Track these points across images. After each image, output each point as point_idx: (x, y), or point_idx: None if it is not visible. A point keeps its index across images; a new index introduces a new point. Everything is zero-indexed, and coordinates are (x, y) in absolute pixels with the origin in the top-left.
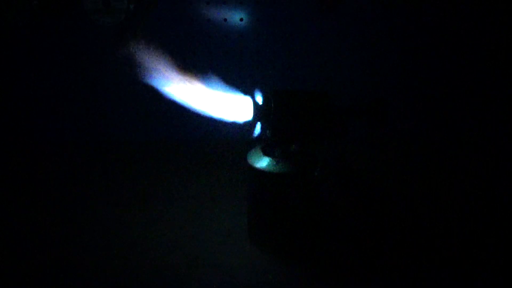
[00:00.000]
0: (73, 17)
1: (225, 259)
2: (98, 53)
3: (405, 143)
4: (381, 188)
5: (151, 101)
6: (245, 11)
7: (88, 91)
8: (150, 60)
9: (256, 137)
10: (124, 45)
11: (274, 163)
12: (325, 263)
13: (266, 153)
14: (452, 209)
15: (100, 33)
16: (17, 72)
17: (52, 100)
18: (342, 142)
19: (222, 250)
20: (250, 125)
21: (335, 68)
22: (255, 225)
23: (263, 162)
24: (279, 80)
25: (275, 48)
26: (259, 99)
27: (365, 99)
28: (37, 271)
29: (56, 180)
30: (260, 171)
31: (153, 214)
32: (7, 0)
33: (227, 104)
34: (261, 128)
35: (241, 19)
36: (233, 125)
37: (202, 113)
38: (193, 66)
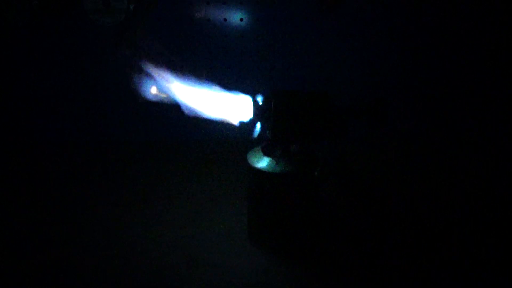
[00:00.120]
0: (73, 17)
1: (225, 259)
2: (98, 53)
3: (405, 143)
4: (381, 188)
5: (151, 101)
6: (245, 11)
7: (88, 91)
8: (150, 60)
9: (256, 137)
10: (124, 45)
11: (274, 163)
12: (325, 263)
13: (266, 153)
14: (452, 209)
15: (100, 33)
16: (17, 72)
17: (52, 100)
18: (342, 142)
19: (222, 250)
20: (250, 125)
21: (335, 68)
22: (255, 225)
23: (263, 162)
24: (279, 80)
25: (275, 48)
26: (259, 99)
27: (365, 99)
28: (37, 271)
29: (56, 180)
30: (260, 171)
31: (153, 214)
32: (7, 0)
33: (227, 104)
34: (261, 128)
35: (241, 19)
36: (233, 125)
37: (202, 113)
38: (193, 66)
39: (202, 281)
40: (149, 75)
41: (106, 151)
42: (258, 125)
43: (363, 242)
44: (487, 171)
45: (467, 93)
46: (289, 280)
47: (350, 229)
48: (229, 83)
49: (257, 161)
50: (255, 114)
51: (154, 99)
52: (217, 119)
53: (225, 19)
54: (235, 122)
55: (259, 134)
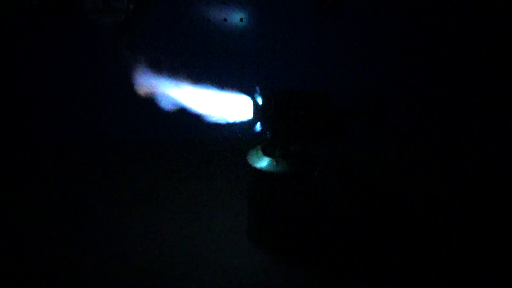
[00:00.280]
0: (73, 17)
1: (225, 259)
2: (98, 53)
3: (405, 143)
4: (381, 188)
5: (151, 101)
6: (245, 11)
7: (88, 91)
8: (149, 60)
9: (256, 137)
10: (124, 45)
11: (274, 163)
12: (324, 263)
13: (266, 153)
14: (452, 209)
15: (100, 33)
16: (17, 72)
17: (52, 100)
18: (342, 142)
19: (222, 250)
20: (250, 125)
21: (335, 68)
22: (255, 225)
23: (263, 162)
24: (279, 80)
25: (275, 48)
26: (259, 99)
27: (365, 99)
28: (37, 271)
29: (56, 180)
30: (260, 171)
31: (153, 214)
32: (7, 0)
33: (227, 104)
34: (261, 128)
35: (241, 19)
36: (233, 125)
37: (203, 113)
38: (193, 66)
39: (202, 281)
40: (147, 74)
41: (106, 151)
42: (258, 125)
43: (363, 242)
44: (487, 171)
45: (467, 93)
46: (289, 280)
47: (350, 229)
48: (229, 83)
49: (257, 161)
50: (255, 114)
51: (149, 95)
52: (217, 119)
53: (225, 19)
54: (235, 122)
55: (259, 134)
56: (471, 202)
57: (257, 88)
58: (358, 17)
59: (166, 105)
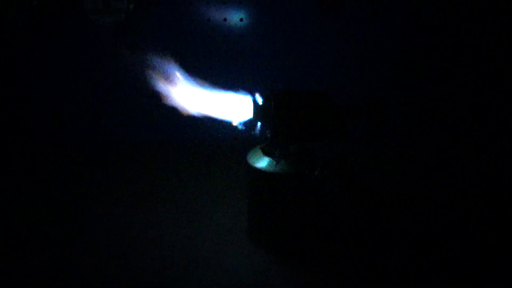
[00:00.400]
0: (73, 17)
1: (225, 259)
2: (98, 53)
3: (405, 143)
4: (381, 188)
5: (151, 101)
6: (245, 11)
7: (88, 91)
8: (150, 60)
9: (256, 136)
10: (124, 45)
11: (274, 163)
12: (324, 263)
13: (266, 153)
14: (452, 209)
15: (100, 33)
16: (17, 72)
17: (52, 100)
18: (342, 142)
19: (222, 250)
20: (250, 125)
21: (335, 68)
22: (255, 225)
23: (263, 162)
24: (279, 80)
25: (275, 48)
26: (259, 99)
27: (365, 99)
28: (37, 271)
29: (57, 180)
30: (260, 171)
31: (153, 214)
32: (7, 0)
33: (227, 104)
34: (261, 128)
35: (241, 19)
36: (233, 125)
37: (202, 113)
38: (193, 66)
39: (202, 281)
40: (147, 74)
41: (106, 151)
42: (258, 125)
43: (363, 241)
44: (487, 171)
45: (467, 93)
46: (289, 280)
47: (350, 229)
48: (229, 83)
49: (257, 161)
50: (255, 114)
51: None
52: (217, 118)
53: (225, 19)
54: (235, 121)
55: (259, 134)
56: (471, 202)
57: (257, 89)
58: (358, 17)
59: (166, 105)
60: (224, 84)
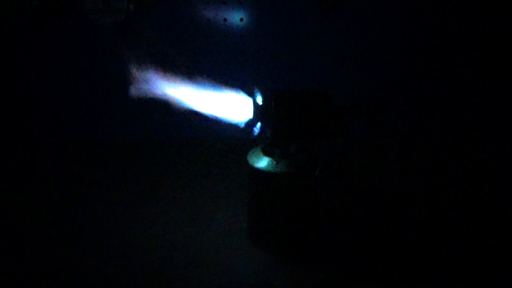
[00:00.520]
0: (73, 17)
1: (225, 259)
2: (98, 53)
3: (405, 143)
4: (381, 188)
5: (151, 101)
6: (245, 11)
7: (88, 91)
8: (150, 60)
9: (256, 136)
10: (124, 45)
11: (274, 163)
12: (325, 263)
13: (266, 153)
14: (452, 209)
15: (100, 33)
16: (17, 72)
17: (52, 100)
18: (342, 142)
19: (222, 250)
20: (250, 125)
21: (335, 68)
22: (255, 225)
23: (263, 162)
24: (279, 80)
25: (275, 48)
26: (259, 99)
27: (365, 99)
28: (37, 271)
29: (57, 180)
30: (260, 171)
31: (153, 214)
32: (7, 0)
33: (227, 104)
34: (261, 128)
35: (241, 19)
36: (233, 125)
37: (202, 113)
38: (193, 66)
39: (202, 281)
40: (147, 74)
41: (106, 151)
42: (258, 125)
43: (362, 241)
44: (487, 171)
45: (467, 93)
46: (289, 280)
47: (350, 229)
48: (229, 83)
49: (257, 161)
50: (255, 114)
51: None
52: (217, 118)
53: (225, 19)
54: (236, 121)
55: (259, 134)
56: (471, 202)
57: (257, 88)
58: (358, 17)
59: (166, 105)
60: (224, 84)
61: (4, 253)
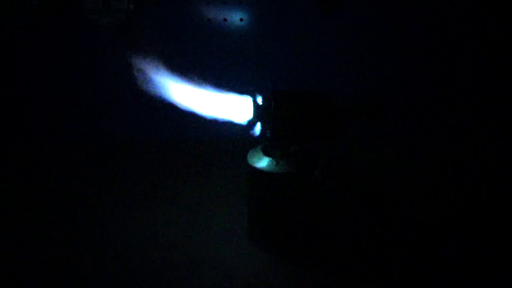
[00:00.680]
0: (73, 17)
1: (225, 259)
2: (98, 53)
3: (405, 143)
4: (381, 188)
5: (151, 101)
6: (245, 11)
7: (88, 92)
8: (150, 60)
9: (256, 136)
10: (124, 45)
11: (274, 163)
12: (325, 263)
13: (266, 153)
14: (453, 209)
15: (100, 33)
16: (17, 72)
17: (52, 100)
18: (342, 142)
19: (222, 250)
20: (250, 125)
21: (335, 68)
22: (255, 225)
23: (263, 162)
24: (279, 80)
25: (275, 48)
26: (259, 99)
27: (365, 99)
28: (37, 271)
29: (57, 180)
30: (260, 171)
31: (153, 214)
32: (7, 0)
33: (227, 104)
34: (261, 128)
35: (241, 19)
36: (233, 125)
37: (203, 113)
38: (193, 66)
39: (202, 281)
40: (149, 73)
41: (106, 152)
42: (258, 125)
43: (363, 242)
44: (487, 171)
45: (467, 93)
46: (289, 280)
47: (350, 229)
48: (229, 83)
49: (257, 161)
50: (255, 114)
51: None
52: (217, 119)
53: (225, 19)
54: (235, 122)
55: (259, 134)
56: (472, 202)
57: (257, 92)
58: (358, 17)
59: (166, 105)
60: (224, 84)
61: (4, 253)
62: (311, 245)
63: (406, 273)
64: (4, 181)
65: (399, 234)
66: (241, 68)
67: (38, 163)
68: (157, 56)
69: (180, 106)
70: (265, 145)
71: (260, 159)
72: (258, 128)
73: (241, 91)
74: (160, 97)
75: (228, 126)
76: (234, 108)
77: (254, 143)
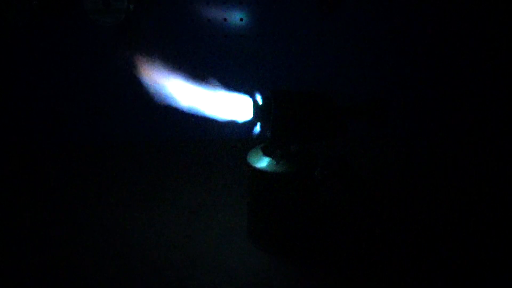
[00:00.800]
0: (73, 17)
1: (225, 259)
2: (98, 53)
3: (405, 143)
4: (381, 188)
5: (151, 101)
6: (245, 11)
7: (88, 92)
8: (150, 60)
9: (256, 136)
10: (124, 45)
11: (274, 163)
12: (325, 263)
13: (266, 153)
14: (453, 209)
15: (100, 33)
16: (17, 72)
17: (52, 100)
18: (342, 142)
19: (222, 250)
20: (250, 125)
21: (335, 68)
22: (255, 225)
23: (263, 162)
24: (279, 80)
25: (275, 48)
26: (259, 99)
27: (365, 99)
28: (37, 271)
29: (57, 180)
30: (260, 171)
31: (153, 214)
32: (7, 0)
33: (227, 104)
34: (261, 128)
35: (241, 19)
36: (233, 125)
37: (203, 114)
38: (193, 66)
39: (202, 281)
40: (149, 73)
41: (106, 152)
42: (258, 125)
43: (363, 241)
44: (487, 171)
45: (467, 93)
46: (289, 280)
47: (350, 229)
48: (229, 83)
49: (257, 161)
50: (255, 114)
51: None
52: (217, 119)
53: (225, 19)
54: (235, 122)
55: (259, 134)
56: (471, 202)
57: (258, 92)
58: (358, 17)
59: (166, 105)
60: (224, 84)
61: (4, 253)
62: (311, 245)
63: (406, 273)
64: (4, 181)
65: (399, 234)
66: (241, 68)
67: (38, 163)
68: (157, 56)
69: (180, 106)
70: (265, 145)
71: (260, 159)
72: (258, 128)
73: (241, 91)
74: (160, 97)
75: (228, 126)
76: (234, 108)
77: (254, 143)
